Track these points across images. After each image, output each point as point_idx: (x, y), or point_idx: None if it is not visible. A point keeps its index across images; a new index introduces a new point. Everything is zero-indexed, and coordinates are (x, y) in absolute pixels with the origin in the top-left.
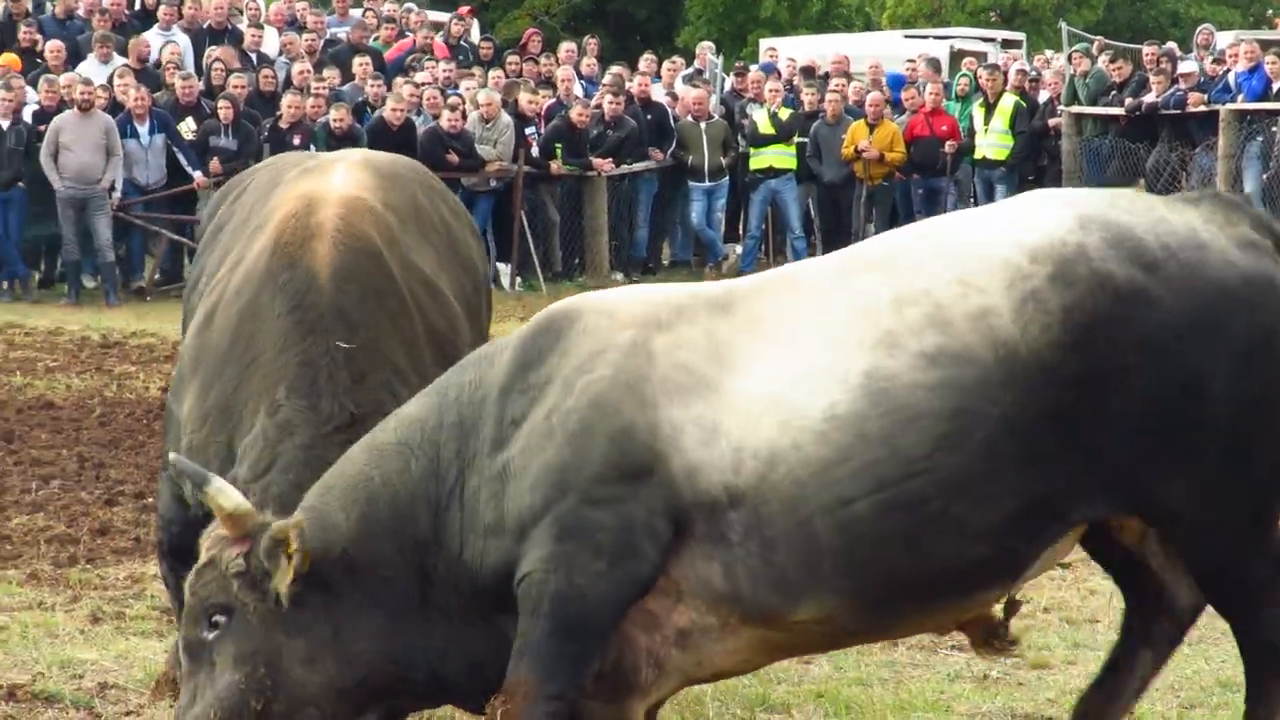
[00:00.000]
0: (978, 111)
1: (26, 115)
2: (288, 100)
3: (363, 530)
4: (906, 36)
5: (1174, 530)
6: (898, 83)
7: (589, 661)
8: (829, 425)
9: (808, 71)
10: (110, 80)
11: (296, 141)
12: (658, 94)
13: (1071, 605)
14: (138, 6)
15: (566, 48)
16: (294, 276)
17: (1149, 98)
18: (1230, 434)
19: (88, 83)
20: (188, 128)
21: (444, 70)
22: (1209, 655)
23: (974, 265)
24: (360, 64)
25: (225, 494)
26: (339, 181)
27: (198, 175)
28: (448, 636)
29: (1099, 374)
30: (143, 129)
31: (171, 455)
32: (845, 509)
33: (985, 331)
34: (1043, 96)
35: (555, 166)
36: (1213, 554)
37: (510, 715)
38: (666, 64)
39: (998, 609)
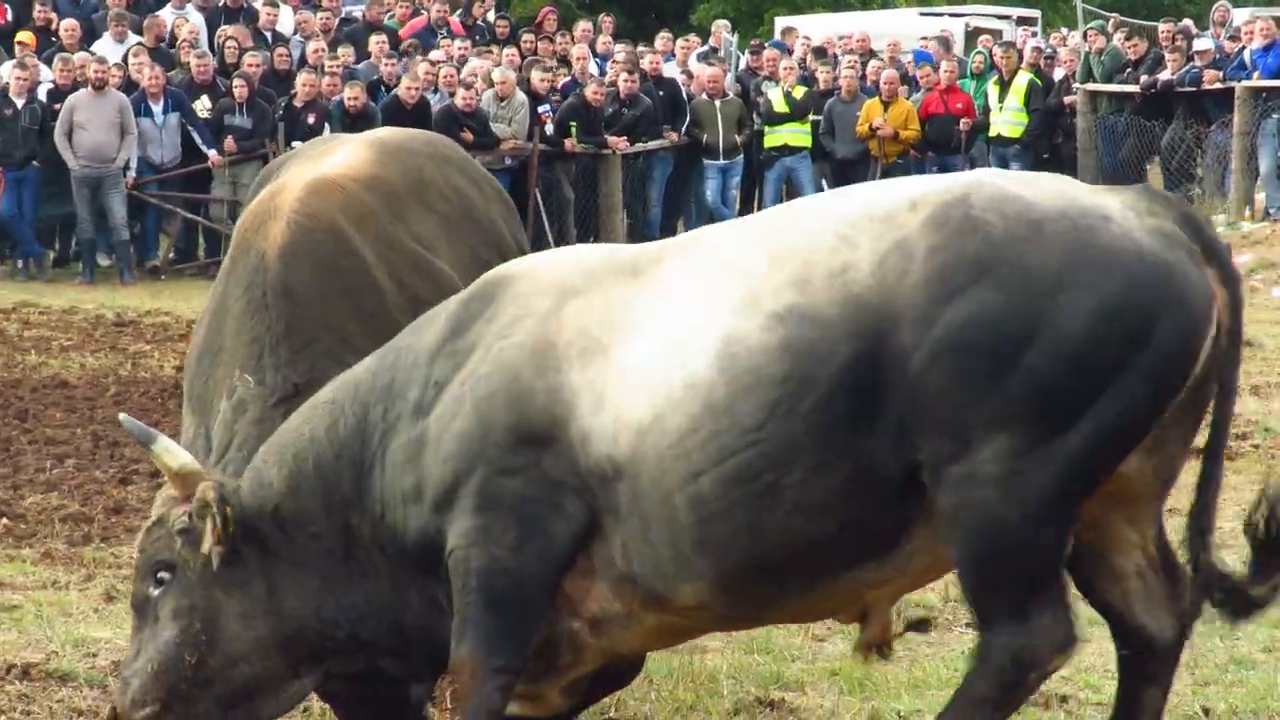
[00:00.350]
0: (992, 89)
1: (41, 94)
2: (302, 79)
3: (291, 487)
4: (922, 14)
5: (959, 498)
6: (922, 59)
7: (529, 631)
8: (686, 394)
9: (819, 52)
10: (125, 59)
11: (311, 120)
12: (671, 71)
13: None
14: None
15: (582, 26)
16: (247, 260)
17: (1164, 75)
18: (1063, 399)
19: (102, 61)
20: (203, 106)
21: (459, 48)
22: (1224, 633)
23: (857, 220)
24: (376, 42)
25: (171, 453)
26: (326, 164)
27: (212, 154)
28: (370, 597)
29: (936, 307)
30: (157, 108)
31: (121, 415)
32: (694, 484)
33: (839, 287)
34: (1058, 74)
35: (570, 144)
36: (995, 540)
37: (461, 694)
38: (681, 42)
39: (897, 625)
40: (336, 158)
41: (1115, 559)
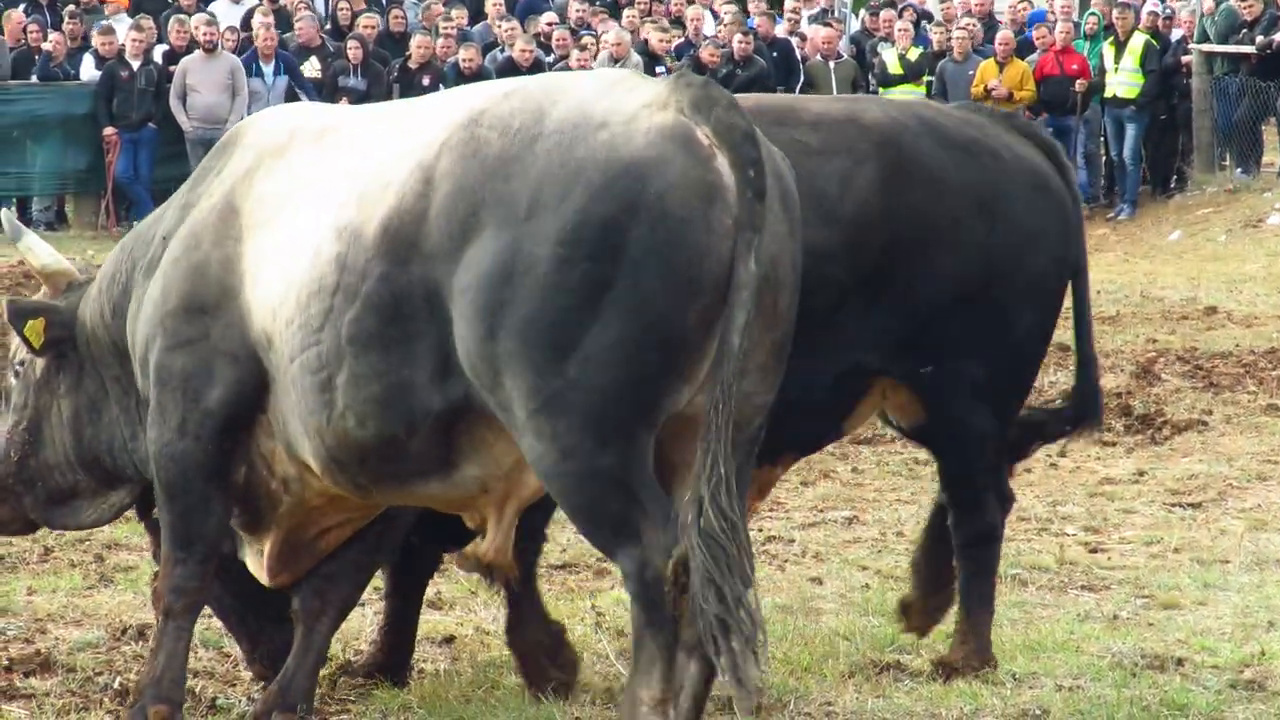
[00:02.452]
0: (1108, 50)
1: (157, 56)
2: (417, 40)
3: (94, 328)
4: None
5: (524, 450)
6: (1036, 19)
7: (200, 517)
8: (293, 285)
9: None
10: (247, 20)
11: (426, 82)
12: (782, 32)
13: (1202, 545)
14: None
15: None
16: None
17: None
18: (550, 330)
19: (211, 24)
20: (311, 67)
21: (576, 10)
22: None
23: (421, 131)
24: (492, 4)
25: (33, 251)
26: None
27: None
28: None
29: (456, 245)
30: (268, 69)
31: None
32: (291, 366)
33: (378, 206)
34: (1176, 35)
35: None
36: (559, 484)
37: (157, 591)
38: (793, 1)
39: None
40: None
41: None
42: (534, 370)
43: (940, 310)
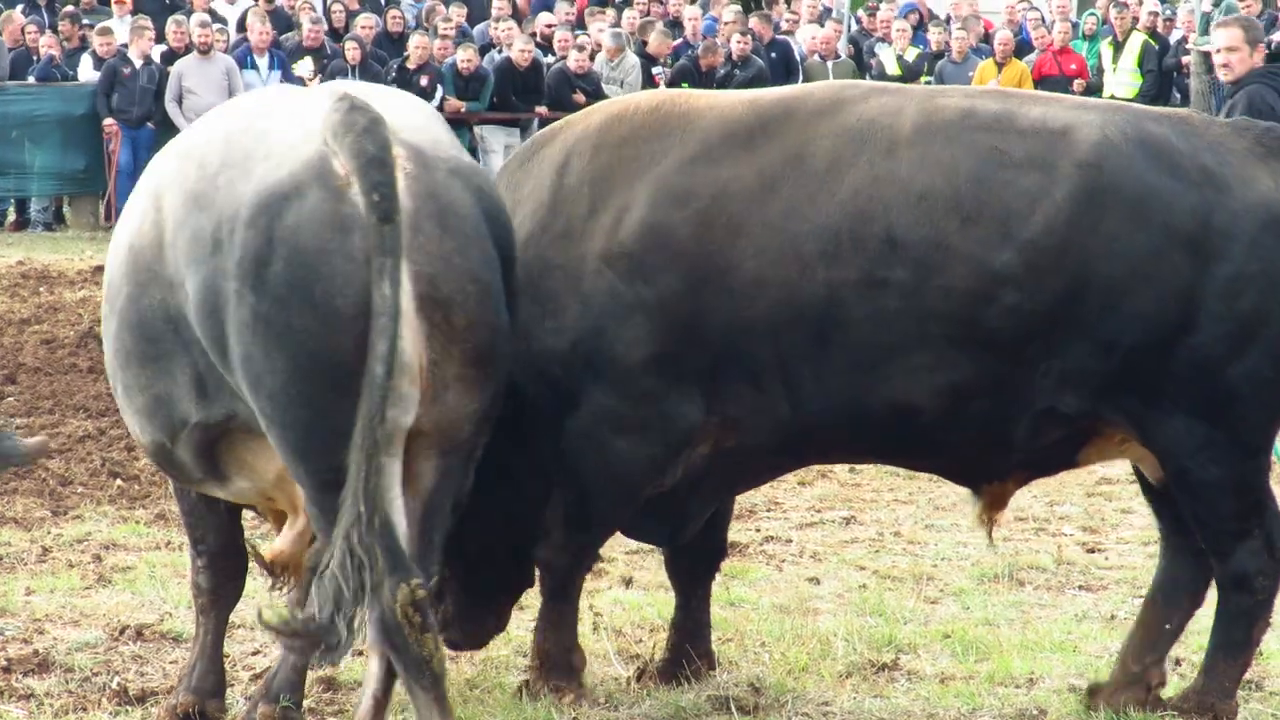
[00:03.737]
0: (1106, 50)
1: (155, 55)
2: (415, 41)
3: None
4: None
5: None
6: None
7: (199, 520)
8: None
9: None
10: (242, 19)
11: (424, 83)
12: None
13: None
14: None
15: None
16: None
17: (1279, 36)
18: (253, 367)
19: (205, 25)
20: (305, 68)
21: (566, 14)
22: None
23: (165, 162)
24: (497, 7)
25: None
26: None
27: None
28: None
29: (182, 278)
30: (262, 61)
31: None
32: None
33: (125, 226)
34: (1176, 35)
35: None
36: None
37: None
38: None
39: None
40: None
41: None
42: (253, 400)
43: (1140, 352)
